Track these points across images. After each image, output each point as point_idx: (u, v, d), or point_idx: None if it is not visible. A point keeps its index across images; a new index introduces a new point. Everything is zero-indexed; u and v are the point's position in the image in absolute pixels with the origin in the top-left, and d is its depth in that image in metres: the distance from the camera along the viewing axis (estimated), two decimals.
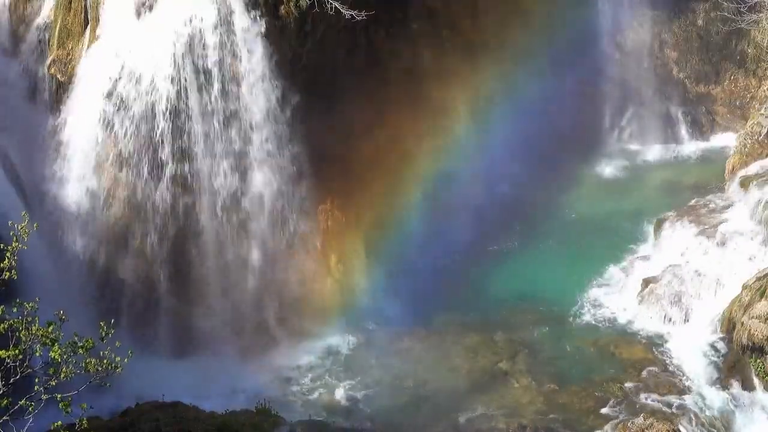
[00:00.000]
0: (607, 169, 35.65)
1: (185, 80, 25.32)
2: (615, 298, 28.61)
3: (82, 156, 26.11)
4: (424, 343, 27.19)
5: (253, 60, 25.92)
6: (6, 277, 13.27)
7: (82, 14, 27.50)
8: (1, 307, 12.89)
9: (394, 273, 28.25)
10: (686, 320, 27.07)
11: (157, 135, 25.48)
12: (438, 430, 23.97)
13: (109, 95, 25.67)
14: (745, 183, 29.38)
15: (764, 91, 34.41)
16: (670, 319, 27.23)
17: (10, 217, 14.53)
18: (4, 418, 12.96)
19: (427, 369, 26.18)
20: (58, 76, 27.67)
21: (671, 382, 25.14)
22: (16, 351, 12.73)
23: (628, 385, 25.05)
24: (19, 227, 13.39)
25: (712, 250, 28.00)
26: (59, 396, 12.69)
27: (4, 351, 12.73)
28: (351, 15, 26.38)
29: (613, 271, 29.68)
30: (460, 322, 27.83)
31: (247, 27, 25.78)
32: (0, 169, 25.59)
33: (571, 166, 34.59)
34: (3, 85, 28.42)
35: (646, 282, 28.29)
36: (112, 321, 13.46)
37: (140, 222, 25.90)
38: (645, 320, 27.49)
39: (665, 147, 36.61)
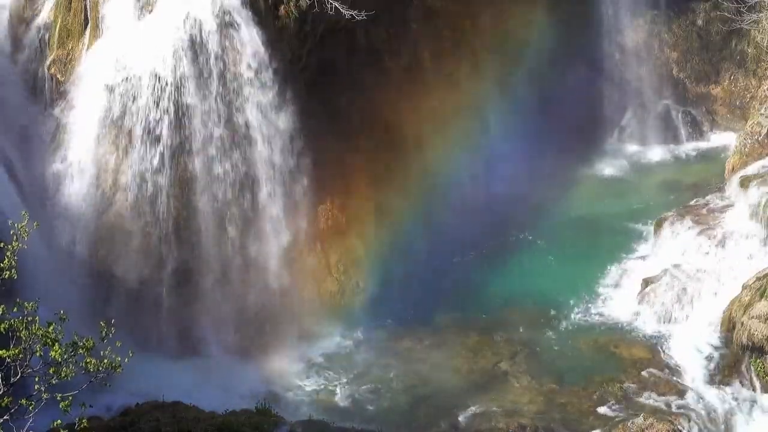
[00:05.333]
0: (607, 169, 35.62)
1: (185, 80, 25.32)
2: (615, 297, 28.60)
3: (82, 155, 26.11)
4: (424, 343, 27.19)
5: (253, 60, 25.92)
6: (6, 276, 13.24)
7: (82, 14, 27.51)
8: (2, 306, 12.88)
9: (394, 273, 28.25)
10: (686, 320, 27.07)
11: (157, 135, 25.48)
12: (438, 430, 23.97)
13: (109, 95, 25.66)
14: (745, 183, 29.35)
15: (764, 91, 34.35)
16: (670, 319, 27.24)
17: (10, 216, 14.50)
18: (5, 417, 12.95)
19: (427, 369, 26.18)
20: (58, 76, 27.68)
21: (671, 382, 25.14)
22: (17, 351, 12.72)
23: (628, 385, 25.06)
24: (19, 226, 13.37)
25: (712, 250, 27.99)
26: (59, 396, 12.68)
27: (4, 351, 12.72)
28: (351, 15, 26.40)
29: (613, 270, 29.66)
30: (460, 322, 27.83)
31: (247, 27, 25.78)
32: (0, 168, 25.58)
33: (571, 165, 34.57)
34: (3, 84, 28.40)
35: (646, 282, 28.29)
36: (113, 321, 13.46)
37: (140, 221, 25.89)
38: (645, 320, 27.48)
39: (665, 147, 36.58)
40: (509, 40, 32.60)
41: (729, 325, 25.69)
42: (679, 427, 23.06)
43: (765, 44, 34.39)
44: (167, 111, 25.36)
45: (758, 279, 25.26)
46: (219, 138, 25.95)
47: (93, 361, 12.92)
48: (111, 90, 25.65)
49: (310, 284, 27.74)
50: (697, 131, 36.94)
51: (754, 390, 24.40)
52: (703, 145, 36.64)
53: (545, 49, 33.36)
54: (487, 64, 32.44)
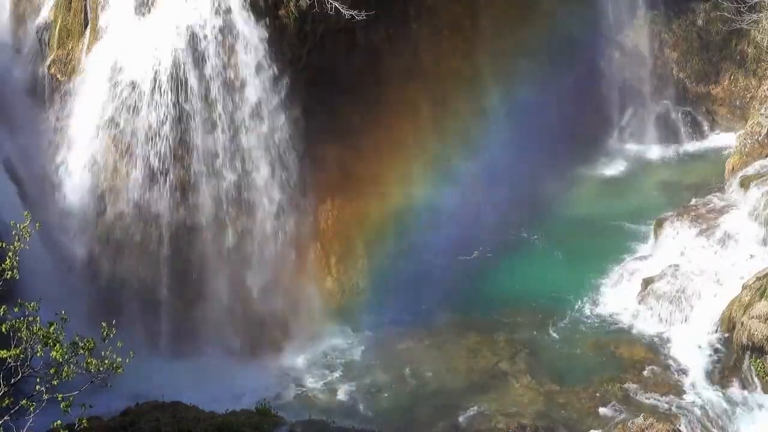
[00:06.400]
0: (607, 169, 35.65)
1: (185, 80, 25.31)
2: (615, 298, 28.60)
3: (82, 155, 26.11)
4: (424, 343, 27.19)
5: (253, 60, 25.92)
6: (8, 277, 13.24)
7: (82, 14, 27.52)
8: (3, 307, 12.87)
9: (393, 273, 28.23)
10: (686, 320, 27.07)
11: (157, 135, 25.47)
12: (438, 430, 23.97)
13: (109, 95, 25.67)
14: (745, 183, 29.40)
15: (764, 91, 34.40)
16: (670, 319, 27.23)
17: (10, 217, 14.49)
18: (5, 418, 12.95)
19: (427, 369, 26.18)
20: (58, 75, 27.68)
21: (671, 382, 25.15)
22: (18, 351, 12.71)
23: (628, 385, 25.06)
24: (21, 227, 13.37)
25: (712, 250, 28.02)
26: (60, 396, 12.68)
27: (5, 351, 12.71)
28: (351, 15, 26.41)
29: (613, 270, 29.66)
30: (460, 322, 27.83)
31: (247, 27, 25.79)
32: (0, 168, 25.59)
33: (571, 166, 34.59)
34: (3, 84, 28.40)
35: (646, 282, 28.29)
36: (113, 321, 13.46)
37: (140, 221, 25.89)
38: (645, 320, 27.49)
39: (665, 147, 36.62)
40: (509, 40, 32.58)
41: (729, 325, 25.69)
42: (679, 427, 23.07)
43: (765, 44, 34.40)
44: (167, 111, 25.35)
45: (758, 279, 25.27)
46: (218, 138, 25.93)
47: (94, 361, 12.92)
48: (111, 89, 25.64)
49: (310, 284, 27.73)
50: (697, 131, 36.96)
51: (754, 390, 24.40)
52: (703, 145, 36.67)
53: (545, 49, 33.36)
54: (487, 64, 32.44)
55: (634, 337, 27.09)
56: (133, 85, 25.37)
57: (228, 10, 25.61)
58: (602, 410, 24.24)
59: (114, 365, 13.05)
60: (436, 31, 31.24)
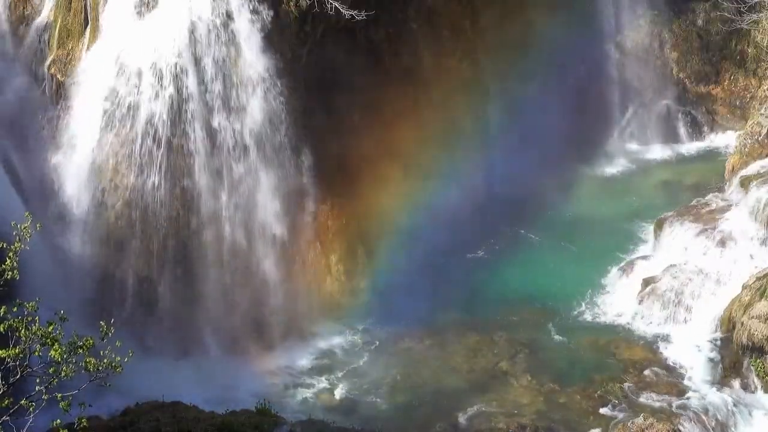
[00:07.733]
0: (607, 168, 35.67)
1: (186, 80, 25.32)
2: (615, 298, 28.61)
3: (82, 156, 26.12)
4: (424, 343, 27.19)
5: (254, 60, 25.93)
6: (8, 277, 13.24)
7: (82, 14, 27.54)
8: (3, 307, 12.87)
9: (393, 273, 28.23)
10: (686, 320, 27.08)
11: (157, 135, 25.47)
12: (438, 430, 23.97)
13: (109, 95, 25.68)
14: (745, 183, 29.37)
15: (764, 91, 34.38)
16: (670, 319, 27.24)
17: (10, 217, 14.49)
18: (5, 417, 12.95)
19: (427, 369, 26.18)
20: (58, 76, 27.70)
21: (671, 382, 25.15)
22: (17, 351, 12.71)
23: (628, 385, 25.06)
24: (22, 227, 13.37)
25: (712, 250, 28.00)
26: (59, 396, 12.69)
27: (4, 350, 12.71)
28: (351, 15, 26.43)
29: (613, 271, 29.68)
30: (460, 322, 27.84)
31: (248, 27, 25.80)
32: (0, 169, 25.60)
33: (571, 165, 34.60)
34: (3, 85, 28.40)
35: (646, 282, 28.29)
36: (112, 321, 13.46)
37: (140, 222, 25.89)
38: (645, 320, 27.50)
39: (665, 147, 36.67)
40: (509, 40, 32.59)
41: (729, 325, 25.70)
42: (679, 427, 23.07)
43: (765, 44, 34.42)
44: (167, 110, 25.35)
45: (758, 279, 25.28)
46: (218, 137, 25.94)
47: (93, 360, 12.93)
48: (111, 89, 25.65)
49: (310, 284, 27.73)
50: (697, 131, 37.00)
51: (754, 390, 24.43)
52: (703, 145, 36.72)
53: (546, 49, 33.37)
54: (487, 64, 32.44)
55: (634, 337, 27.11)
56: (133, 85, 25.39)
57: (228, 10, 25.63)
58: (602, 410, 24.24)
59: (113, 365, 13.06)
60: (436, 31, 31.24)
